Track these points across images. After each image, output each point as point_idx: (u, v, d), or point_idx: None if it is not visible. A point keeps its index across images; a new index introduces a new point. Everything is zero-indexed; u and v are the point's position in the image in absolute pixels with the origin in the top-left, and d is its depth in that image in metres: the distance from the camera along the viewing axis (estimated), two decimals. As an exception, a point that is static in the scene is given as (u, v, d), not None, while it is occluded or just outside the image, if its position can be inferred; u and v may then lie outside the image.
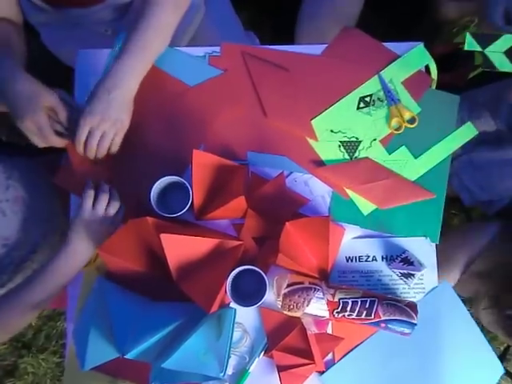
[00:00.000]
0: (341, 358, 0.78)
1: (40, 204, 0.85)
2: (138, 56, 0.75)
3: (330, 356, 0.78)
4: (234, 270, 0.73)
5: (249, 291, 0.76)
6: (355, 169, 0.82)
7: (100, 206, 0.73)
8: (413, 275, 0.78)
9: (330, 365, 0.78)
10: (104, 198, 0.74)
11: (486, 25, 0.86)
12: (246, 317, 0.78)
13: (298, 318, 0.76)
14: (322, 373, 0.78)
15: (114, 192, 0.77)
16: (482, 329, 0.78)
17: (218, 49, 0.87)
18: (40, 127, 0.71)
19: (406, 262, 0.78)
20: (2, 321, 0.72)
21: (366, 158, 0.82)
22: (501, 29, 0.82)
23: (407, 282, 0.78)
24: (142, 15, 0.75)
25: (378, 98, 0.84)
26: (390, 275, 0.80)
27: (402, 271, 0.78)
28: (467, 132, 0.84)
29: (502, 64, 0.75)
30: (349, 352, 0.78)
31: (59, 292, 0.74)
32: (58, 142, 0.74)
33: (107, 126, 0.73)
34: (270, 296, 0.75)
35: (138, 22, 0.75)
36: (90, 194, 0.73)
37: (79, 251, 0.73)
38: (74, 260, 0.73)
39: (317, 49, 0.87)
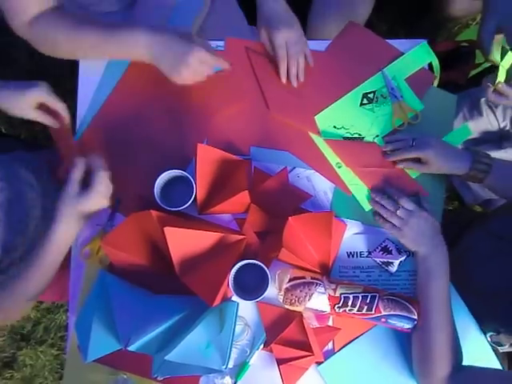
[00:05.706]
0: (340, 349, 0.79)
1: (32, 202, 0.82)
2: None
3: (330, 346, 0.79)
4: (236, 264, 0.73)
5: (251, 285, 0.77)
6: (362, 150, 0.82)
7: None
8: (392, 263, 0.79)
9: (329, 355, 0.78)
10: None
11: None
12: (247, 310, 0.79)
13: (296, 311, 0.76)
14: (320, 363, 0.78)
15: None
16: (481, 325, 0.79)
17: (222, 43, 0.87)
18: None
19: (385, 251, 0.80)
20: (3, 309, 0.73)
21: (374, 142, 0.83)
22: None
23: (388, 270, 0.80)
24: None
25: (382, 95, 0.84)
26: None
27: (381, 260, 0.80)
28: (463, 133, 0.85)
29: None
30: (348, 343, 0.79)
31: (53, 274, 0.73)
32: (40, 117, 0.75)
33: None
34: (272, 290, 0.75)
35: None
36: (79, 167, 0.72)
37: (65, 230, 0.71)
38: (62, 239, 0.72)
39: (320, 45, 0.87)
